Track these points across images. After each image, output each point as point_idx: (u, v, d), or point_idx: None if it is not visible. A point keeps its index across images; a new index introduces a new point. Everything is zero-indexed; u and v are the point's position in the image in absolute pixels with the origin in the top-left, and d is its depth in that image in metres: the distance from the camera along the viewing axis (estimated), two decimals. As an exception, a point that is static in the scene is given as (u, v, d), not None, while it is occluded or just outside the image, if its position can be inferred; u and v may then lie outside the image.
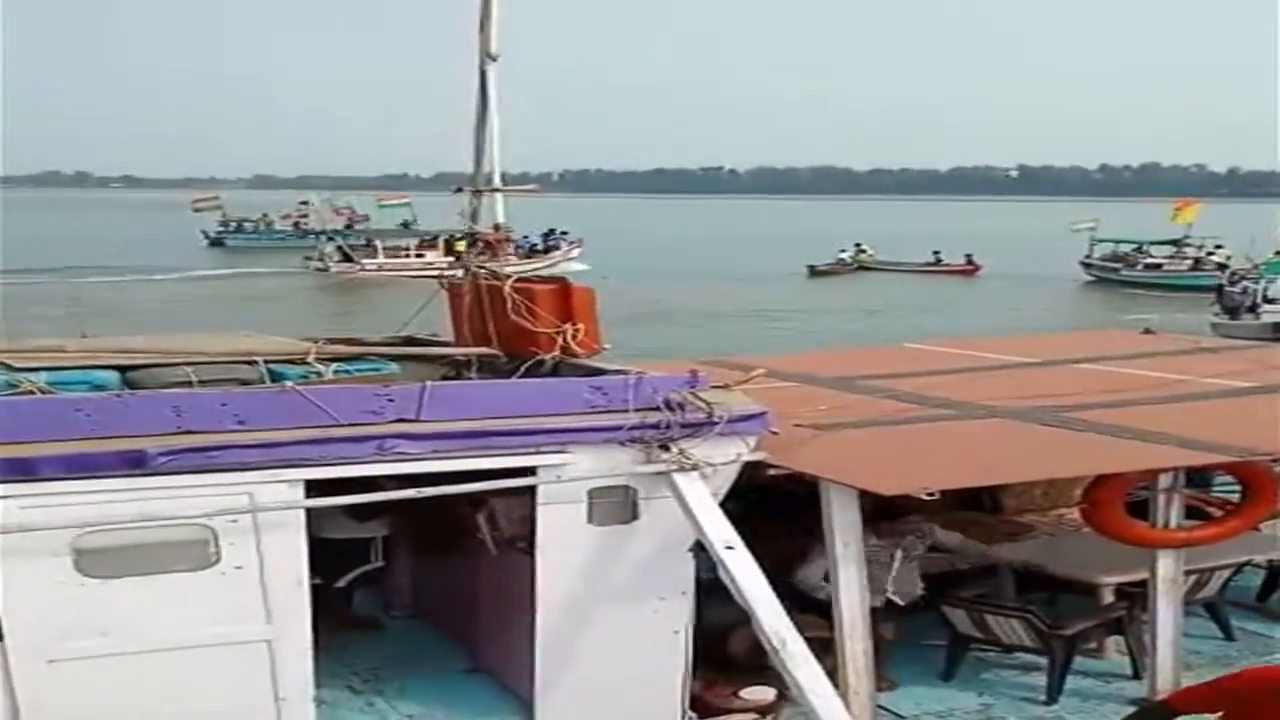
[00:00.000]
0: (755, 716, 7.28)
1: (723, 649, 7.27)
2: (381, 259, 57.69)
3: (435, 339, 8.29)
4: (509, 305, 7.51)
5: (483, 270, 7.87)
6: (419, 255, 57.45)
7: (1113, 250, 56.53)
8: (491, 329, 7.75)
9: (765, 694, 7.18)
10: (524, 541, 6.89)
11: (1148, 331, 13.03)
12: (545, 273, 64.97)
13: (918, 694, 7.83)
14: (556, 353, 7.41)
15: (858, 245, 69.06)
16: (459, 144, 7.87)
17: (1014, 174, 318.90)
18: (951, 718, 7.64)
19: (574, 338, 7.40)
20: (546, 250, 64.82)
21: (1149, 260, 53.44)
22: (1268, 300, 33.36)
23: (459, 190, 7.91)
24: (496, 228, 7.92)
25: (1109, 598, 8.16)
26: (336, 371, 7.06)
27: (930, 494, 6.60)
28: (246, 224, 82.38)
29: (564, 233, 67.64)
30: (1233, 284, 35.16)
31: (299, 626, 6.28)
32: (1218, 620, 8.57)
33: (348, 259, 57.98)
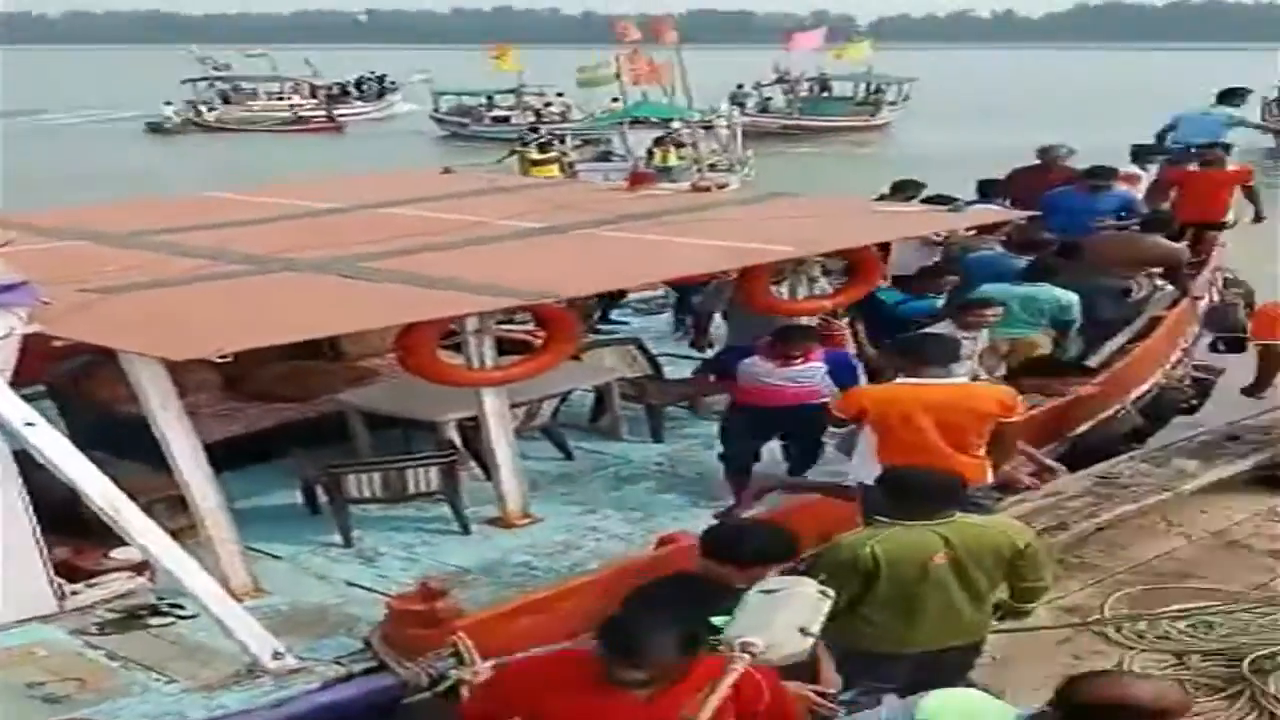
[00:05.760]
0: (131, 574, 7.58)
1: (76, 515, 7.40)
2: None
3: None
4: None
5: None
6: None
7: (458, 103, 57.88)
8: None
9: (133, 553, 7.39)
10: None
11: (447, 170, 14.10)
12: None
13: (282, 531, 8.47)
14: None
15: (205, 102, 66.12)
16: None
17: (364, 18, 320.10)
18: (326, 554, 8.30)
19: None
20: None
21: (496, 113, 54.72)
22: (605, 157, 33.64)
23: None
24: None
25: (453, 434, 9.08)
26: None
27: (224, 357, 6.88)
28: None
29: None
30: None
31: None
32: (556, 443, 9.85)
33: None
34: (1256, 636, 6.88)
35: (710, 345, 11.49)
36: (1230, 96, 16.47)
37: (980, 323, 9.57)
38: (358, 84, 71.08)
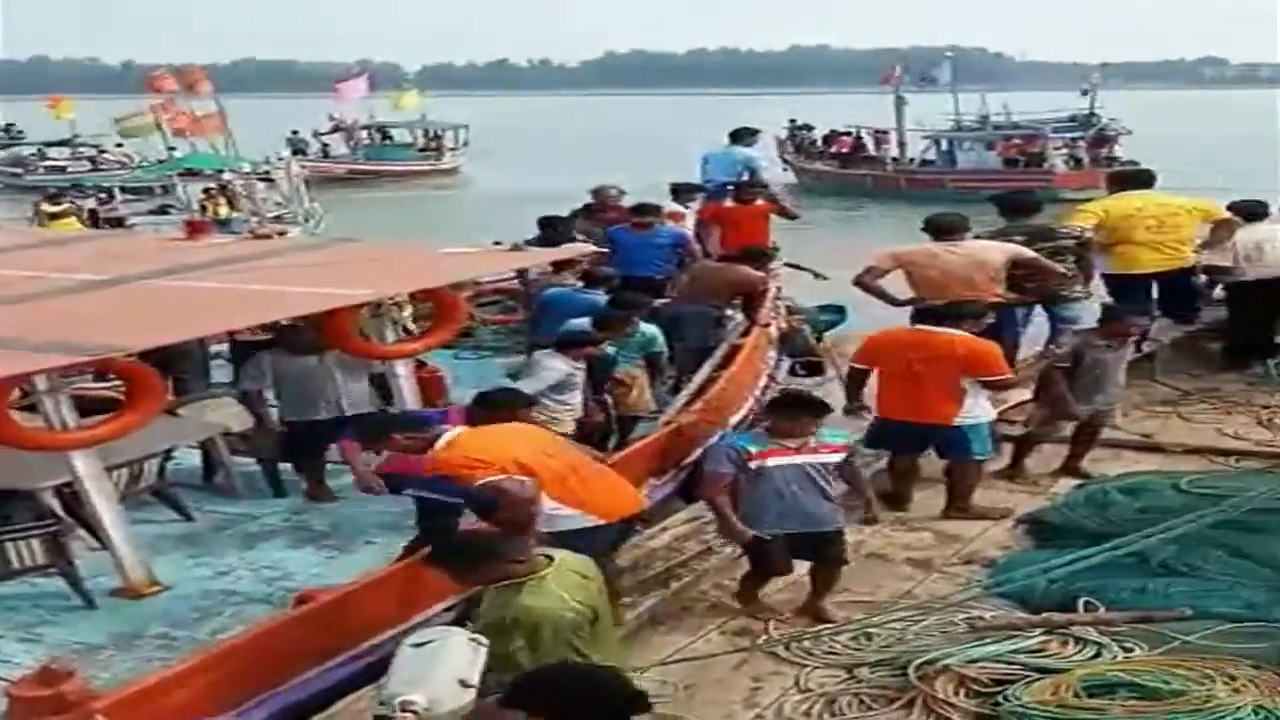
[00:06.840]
0: None
1: None
2: None
3: None
4: None
5: None
6: None
7: (12, 154, 54.50)
8: None
9: None
10: None
11: None
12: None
13: None
14: None
15: None
16: None
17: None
18: None
19: None
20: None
21: (52, 162, 51.07)
22: (163, 211, 31.03)
23: None
24: None
25: (52, 502, 8.26)
26: None
27: None
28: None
29: None
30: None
31: None
32: (171, 505, 9.09)
33: None
34: (912, 645, 6.89)
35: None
36: (741, 136, 17.18)
37: (584, 355, 9.45)
38: None
